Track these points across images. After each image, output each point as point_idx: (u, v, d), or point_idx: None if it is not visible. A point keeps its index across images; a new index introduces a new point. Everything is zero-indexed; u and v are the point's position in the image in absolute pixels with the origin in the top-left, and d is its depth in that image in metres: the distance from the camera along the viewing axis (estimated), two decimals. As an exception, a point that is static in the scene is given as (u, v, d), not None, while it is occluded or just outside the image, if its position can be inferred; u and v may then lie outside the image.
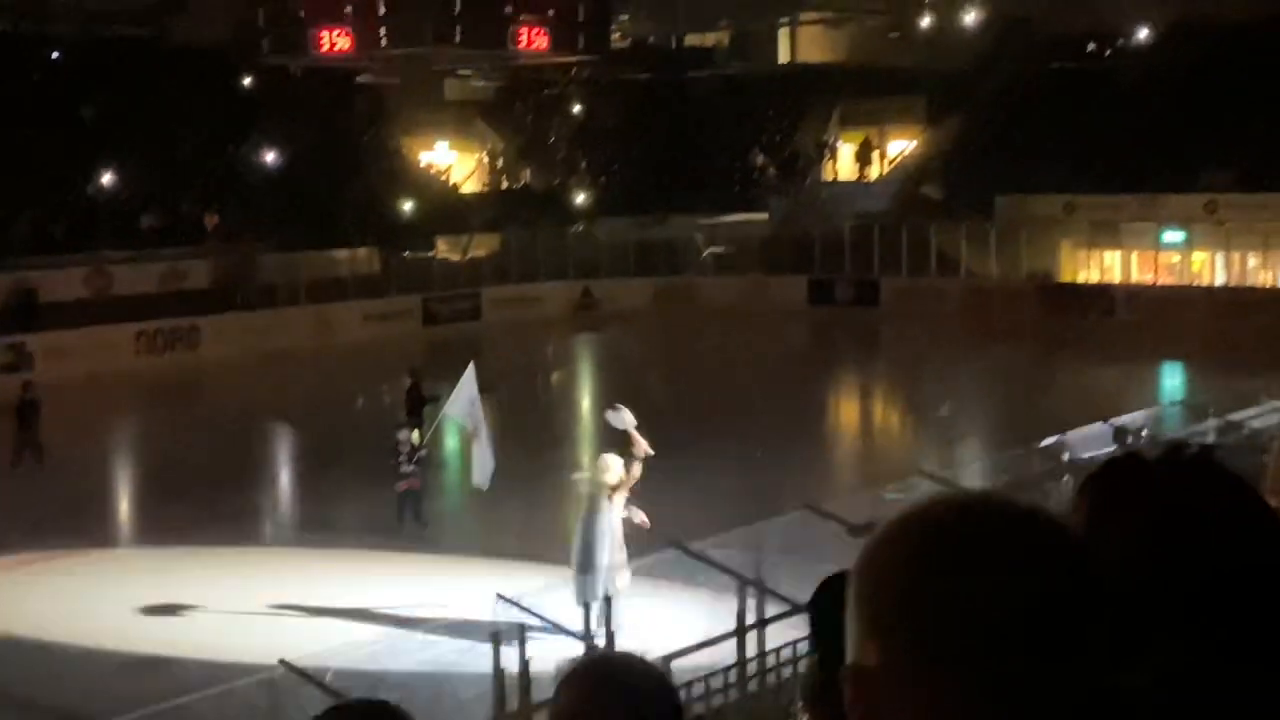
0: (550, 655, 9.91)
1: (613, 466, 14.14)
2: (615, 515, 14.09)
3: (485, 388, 18.27)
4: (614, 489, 14.06)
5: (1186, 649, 1.60)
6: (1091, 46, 43.87)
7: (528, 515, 18.97)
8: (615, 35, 45.44)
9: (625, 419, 14.73)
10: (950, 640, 1.33)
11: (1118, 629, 1.43)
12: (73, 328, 32.84)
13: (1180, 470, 1.73)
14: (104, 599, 16.39)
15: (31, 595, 16.77)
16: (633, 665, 2.25)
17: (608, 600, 13.27)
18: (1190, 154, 40.03)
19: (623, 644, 11.56)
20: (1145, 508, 1.70)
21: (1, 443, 22.95)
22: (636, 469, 14.26)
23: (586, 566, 13.82)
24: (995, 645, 1.33)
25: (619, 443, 14.82)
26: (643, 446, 14.40)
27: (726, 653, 11.87)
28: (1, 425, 23.31)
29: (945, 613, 1.33)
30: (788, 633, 11.61)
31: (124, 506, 23.48)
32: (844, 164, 48.68)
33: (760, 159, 48.02)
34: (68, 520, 19.46)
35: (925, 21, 42.16)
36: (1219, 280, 40.12)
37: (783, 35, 52.37)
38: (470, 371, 17.61)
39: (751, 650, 11.96)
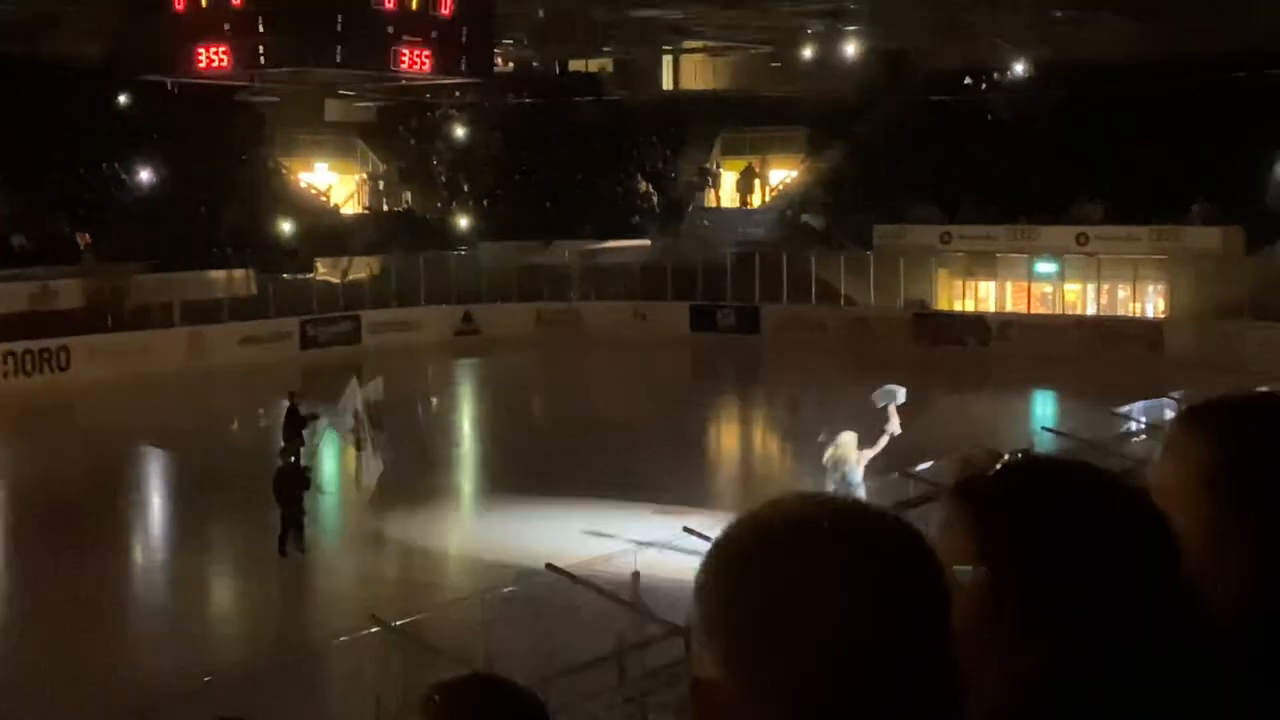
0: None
1: (849, 441, 16.81)
2: (857, 476, 16.66)
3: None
4: (856, 458, 16.63)
5: (1056, 647, 1.59)
6: (968, 81, 44.68)
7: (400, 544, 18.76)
8: (499, 59, 45.40)
9: (893, 395, 17.47)
10: (785, 656, 1.26)
11: (973, 640, 1.40)
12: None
13: (1026, 469, 1.73)
14: None
15: None
16: (500, 688, 2.14)
17: None
18: (1062, 187, 40.98)
19: (500, 668, 11.47)
20: (997, 510, 1.69)
21: None
22: (882, 441, 16.90)
23: None
24: (834, 661, 1.25)
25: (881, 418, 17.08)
26: (894, 424, 17.06)
27: (606, 675, 11.83)
28: None
29: (779, 625, 1.26)
30: (668, 655, 11.61)
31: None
32: (726, 192, 49.03)
33: (643, 185, 48.20)
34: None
35: (806, 52, 42.60)
36: (1090, 310, 41.00)
37: (666, 63, 52.69)
38: (354, 384, 17.49)
39: (632, 672, 11.93)
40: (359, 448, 17.74)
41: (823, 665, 1.25)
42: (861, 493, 16.61)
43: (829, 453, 16.81)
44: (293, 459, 18.76)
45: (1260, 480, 1.66)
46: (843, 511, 1.33)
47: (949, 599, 1.33)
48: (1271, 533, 1.64)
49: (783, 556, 1.29)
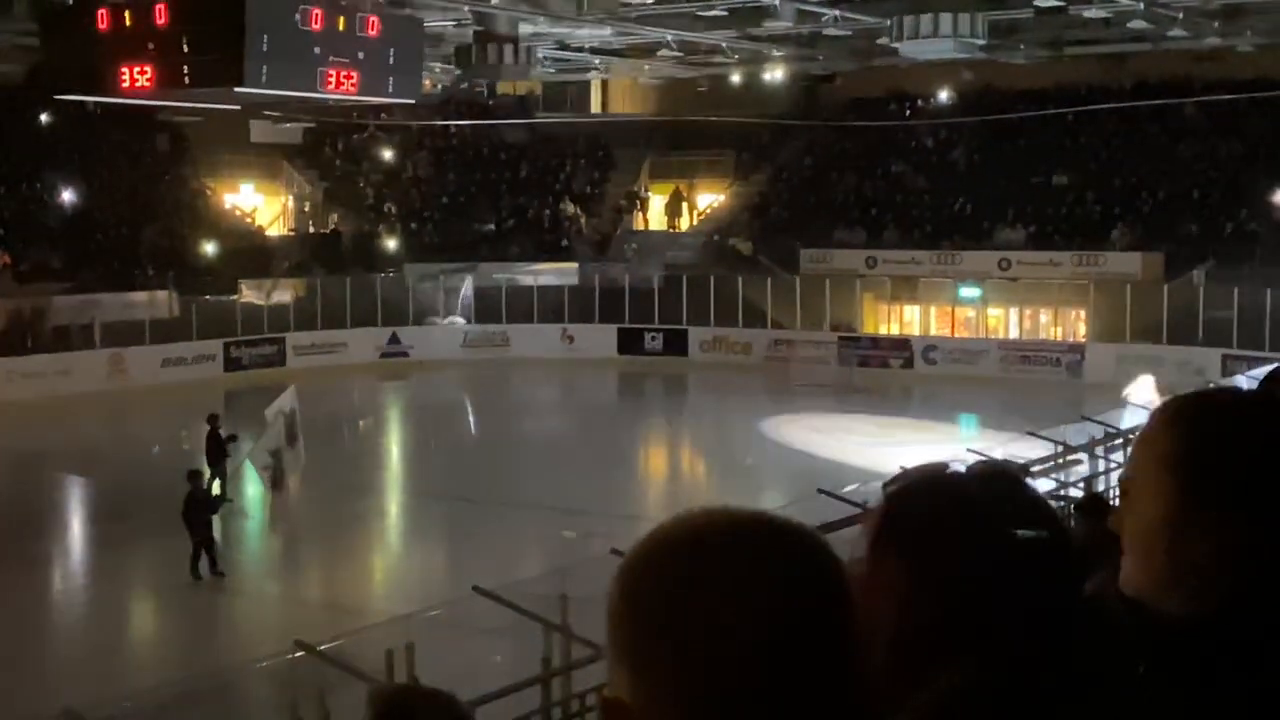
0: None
1: (1147, 382, 22.26)
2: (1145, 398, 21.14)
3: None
4: (1150, 399, 20.29)
5: (973, 668, 1.59)
6: (892, 107, 45.12)
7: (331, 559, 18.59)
8: (427, 82, 45.25)
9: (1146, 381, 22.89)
10: (698, 676, 1.24)
11: (893, 657, 1.39)
12: None
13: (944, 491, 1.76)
14: None
15: None
16: (431, 700, 2.16)
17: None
18: (985, 212, 41.49)
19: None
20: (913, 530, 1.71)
21: None
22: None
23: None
24: (733, 676, 1.24)
25: None
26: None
27: (531, 699, 11.76)
28: None
29: (691, 647, 1.24)
30: (594, 678, 11.56)
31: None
32: (654, 215, 49.15)
33: (571, 208, 48.20)
34: None
35: (734, 77, 42.83)
36: (1012, 334, 41.45)
37: (594, 87, 52.78)
38: (276, 404, 17.34)
39: (557, 696, 11.87)
40: (274, 480, 17.57)
41: (720, 680, 1.24)
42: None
43: (1128, 390, 21.37)
44: (213, 484, 18.56)
45: (1223, 476, 1.63)
46: (740, 525, 1.30)
47: (850, 606, 1.32)
48: (1234, 529, 1.61)
49: (674, 575, 1.28)
